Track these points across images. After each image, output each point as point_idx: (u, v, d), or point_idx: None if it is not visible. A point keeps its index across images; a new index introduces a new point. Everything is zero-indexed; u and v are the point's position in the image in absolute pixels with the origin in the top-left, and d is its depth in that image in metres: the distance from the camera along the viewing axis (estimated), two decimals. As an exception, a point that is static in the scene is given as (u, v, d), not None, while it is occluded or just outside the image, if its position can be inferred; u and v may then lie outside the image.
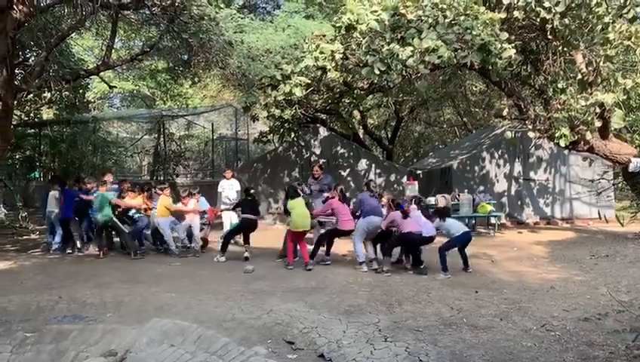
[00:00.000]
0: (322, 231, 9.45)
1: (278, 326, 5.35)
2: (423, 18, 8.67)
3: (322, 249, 9.13)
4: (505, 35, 8.69)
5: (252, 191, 10.18)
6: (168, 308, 6.08)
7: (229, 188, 11.30)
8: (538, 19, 9.32)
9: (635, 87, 8.81)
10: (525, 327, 5.24)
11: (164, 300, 6.46)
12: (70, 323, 5.49)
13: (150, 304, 6.30)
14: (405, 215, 8.33)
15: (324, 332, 5.10)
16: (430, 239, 8.32)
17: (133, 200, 10.41)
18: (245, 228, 9.70)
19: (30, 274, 8.29)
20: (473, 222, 12.52)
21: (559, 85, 10.35)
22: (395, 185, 14.58)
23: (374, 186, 9.27)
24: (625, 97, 8.97)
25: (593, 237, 11.50)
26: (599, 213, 14.34)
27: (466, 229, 8.68)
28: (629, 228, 12.32)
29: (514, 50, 8.77)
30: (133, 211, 10.47)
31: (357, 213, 8.92)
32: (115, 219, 9.85)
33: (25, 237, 12.53)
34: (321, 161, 13.62)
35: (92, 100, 21.72)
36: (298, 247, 9.01)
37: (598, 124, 9.24)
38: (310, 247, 9.04)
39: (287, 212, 9.04)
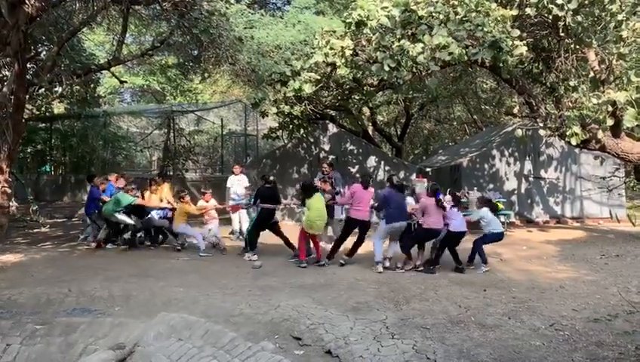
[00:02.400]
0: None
1: (286, 321, 5.36)
2: (434, 14, 8.61)
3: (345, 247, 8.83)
4: (516, 32, 8.61)
5: (271, 178, 9.74)
6: (176, 303, 6.11)
7: (238, 184, 11.25)
8: (550, 17, 9.22)
9: (647, 85, 8.69)
10: (534, 326, 5.21)
11: (172, 294, 6.50)
12: (79, 316, 5.54)
13: (158, 298, 6.33)
14: (441, 205, 8.05)
15: (331, 328, 5.10)
16: (462, 235, 8.18)
17: (153, 200, 10.47)
18: (266, 219, 9.20)
19: (40, 267, 8.36)
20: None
21: (571, 83, 10.24)
22: (404, 183, 14.52)
23: (398, 181, 8.75)
24: (638, 95, 8.84)
25: (604, 237, 11.41)
26: (610, 212, 14.21)
27: (502, 229, 8.62)
28: (641, 227, 12.21)
29: (525, 48, 8.69)
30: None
31: (375, 207, 8.69)
32: (116, 213, 9.81)
33: (36, 230, 12.64)
34: (330, 157, 13.60)
35: (103, 95, 21.81)
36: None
37: (610, 122, 9.11)
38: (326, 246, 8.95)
39: (303, 203, 8.68)
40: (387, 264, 8.27)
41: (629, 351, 4.39)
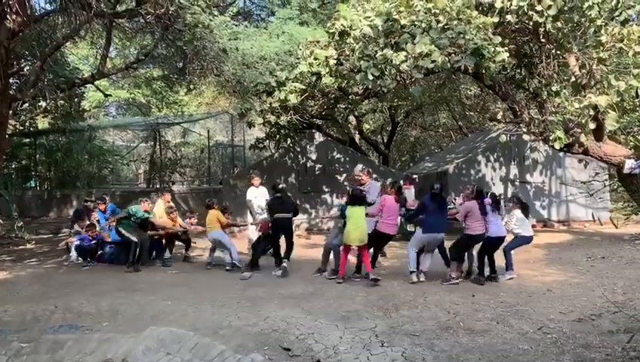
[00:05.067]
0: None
1: (275, 332, 5.34)
2: (416, 23, 8.69)
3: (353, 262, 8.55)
4: (498, 39, 8.72)
5: (281, 186, 9.41)
6: (165, 316, 6.07)
7: (262, 197, 10.42)
8: (531, 23, 9.35)
9: (628, 89, 8.80)
10: (522, 330, 5.24)
11: (160, 308, 6.45)
12: (66, 332, 5.48)
13: (147, 312, 6.28)
14: (483, 208, 7.67)
15: (320, 338, 5.09)
16: (502, 240, 7.83)
17: (163, 220, 10.27)
18: (279, 228, 8.82)
19: (26, 284, 8.26)
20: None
21: (553, 88, 10.37)
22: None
23: (437, 188, 8.08)
24: (618, 99, 8.97)
25: (589, 240, 11.52)
26: (593, 216, 14.38)
27: (532, 233, 8.29)
28: (625, 229, 12.35)
29: (507, 54, 8.79)
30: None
31: (404, 213, 8.45)
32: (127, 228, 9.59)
33: (21, 247, 12.48)
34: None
35: (87, 109, 21.73)
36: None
37: (592, 126, 9.24)
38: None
39: (342, 216, 8.17)
40: (423, 278, 7.85)
41: (615, 352, 4.43)
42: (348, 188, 9.62)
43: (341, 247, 8.30)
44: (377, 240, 8.26)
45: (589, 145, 10.03)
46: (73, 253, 10.18)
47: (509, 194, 14.38)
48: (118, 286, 7.94)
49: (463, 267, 8.11)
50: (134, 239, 9.45)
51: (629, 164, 9.77)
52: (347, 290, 7.35)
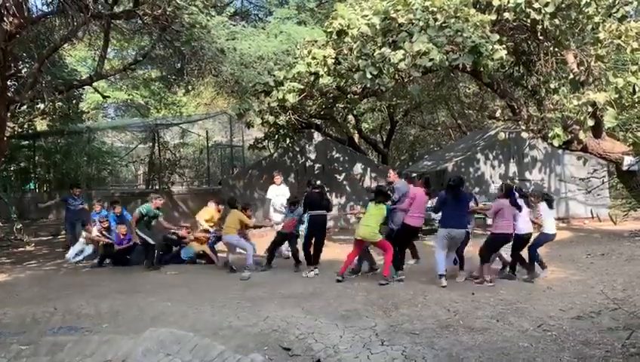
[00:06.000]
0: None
1: (275, 332, 5.33)
2: (413, 21, 8.69)
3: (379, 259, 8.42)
4: (496, 37, 8.72)
5: (318, 182, 9.29)
6: (164, 318, 6.06)
7: (283, 195, 10.38)
8: (529, 21, 9.35)
9: (626, 85, 8.81)
10: (522, 328, 5.24)
11: (160, 309, 6.44)
12: (66, 334, 5.47)
13: (146, 313, 6.27)
14: (516, 205, 7.37)
15: (320, 337, 5.09)
16: (529, 236, 7.60)
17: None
18: (317, 226, 8.61)
19: (25, 286, 8.26)
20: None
21: (551, 85, 10.39)
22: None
23: (453, 181, 7.73)
24: (617, 96, 8.96)
25: (589, 236, 11.53)
26: (592, 212, 14.39)
27: (555, 231, 8.00)
28: (625, 226, 12.35)
29: (505, 52, 8.79)
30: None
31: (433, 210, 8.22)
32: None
33: (20, 249, 12.48)
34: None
35: (86, 111, 21.68)
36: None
37: (590, 123, 9.24)
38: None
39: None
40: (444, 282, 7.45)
41: (615, 349, 4.43)
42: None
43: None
44: (404, 234, 8.07)
45: (587, 142, 10.04)
46: (70, 252, 10.21)
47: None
48: (118, 287, 7.93)
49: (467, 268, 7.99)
50: (151, 241, 9.57)
51: (628, 161, 9.77)
52: (347, 290, 7.34)
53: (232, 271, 8.98)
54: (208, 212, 10.42)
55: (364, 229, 7.85)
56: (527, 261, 7.74)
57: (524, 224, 7.54)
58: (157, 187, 18.66)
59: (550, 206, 7.88)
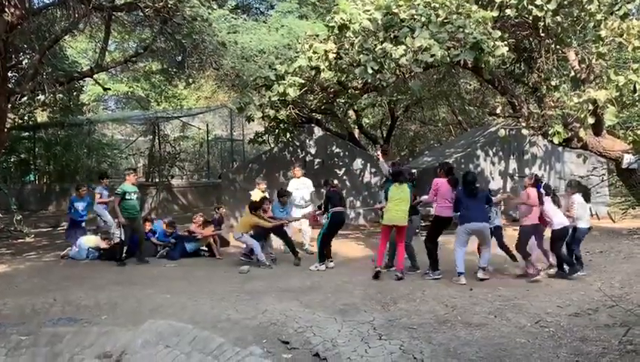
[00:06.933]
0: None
1: (273, 326, 5.36)
2: (415, 17, 8.67)
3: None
4: (497, 33, 8.70)
5: (335, 181, 9.61)
6: (163, 310, 6.08)
7: (304, 188, 10.40)
8: (530, 17, 9.32)
9: (627, 83, 8.80)
10: (519, 324, 5.26)
11: (159, 301, 6.47)
12: (65, 325, 5.50)
13: (145, 305, 6.30)
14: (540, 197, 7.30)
15: (319, 331, 5.11)
16: (567, 230, 7.44)
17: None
18: (338, 223, 8.80)
19: (25, 277, 8.28)
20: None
21: (552, 82, 10.37)
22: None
23: (470, 176, 7.75)
24: (617, 94, 8.95)
25: (588, 234, 11.48)
26: (591, 210, 14.37)
27: (590, 224, 7.85)
28: (624, 224, 12.36)
29: (506, 48, 8.77)
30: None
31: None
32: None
33: (20, 240, 12.50)
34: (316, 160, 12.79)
35: (86, 103, 21.68)
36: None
37: (591, 120, 9.23)
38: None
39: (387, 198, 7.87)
40: (481, 274, 7.46)
41: (612, 346, 4.45)
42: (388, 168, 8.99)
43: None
44: (436, 225, 7.96)
45: (587, 140, 10.03)
46: (74, 249, 10.04)
47: (508, 189, 14.45)
48: (117, 279, 7.96)
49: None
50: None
51: (628, 159, 9.78)
52: (346, 284, 7.37)
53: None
54: (257, 193, 10.29)
55: (397, 214, 7.64)
56: (569, 259, 7.59)
57: (561, 218, 7.46)
58: (157, 180, 18.67)
59: (587, 199, 7.78)
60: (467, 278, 7.48)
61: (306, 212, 10.16)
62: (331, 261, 8.77)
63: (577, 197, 7.70)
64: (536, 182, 7.65)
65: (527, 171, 14.54)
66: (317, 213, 9.52)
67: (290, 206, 10.11)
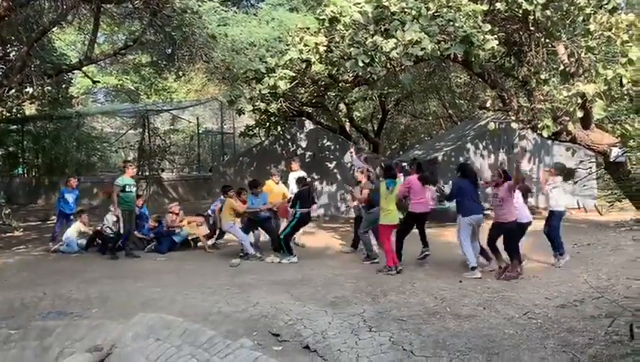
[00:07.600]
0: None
1: (264, 318, 5.38)
2: (406, 10, 8.67)
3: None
4: (487, 27, 8.72)
5: (308, 180, 9.67)
6: (154, 303, 6.08)
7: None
8: (520, 11, 9.35)
9: (615, 77, 8.87)
10: (508, 315, 5.32)
11: (149, 295, 6.46)
12: (55, 319, 5.49)
13: (136, 299, 6.30)
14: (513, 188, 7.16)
15: (309, 323, 5.14)
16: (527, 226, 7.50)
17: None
18: (305, 222, 9.03)
19: (14, 271, 8.24)
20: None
21: (542, 76, 10.41)
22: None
23: (469, 167, 7.90)
24: (606, 88, 9.02)
25: (576, 227, 11.63)
26: (578, 203, 14.53)
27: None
28: (611, 216, 12.49)
29: (496, 42, 8.80)
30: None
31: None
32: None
33: (9, 234, 12.41)
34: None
35: (75, 95, 21.50)
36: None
37: (580, 114, 9.31)
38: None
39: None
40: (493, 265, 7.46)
41: (598, 336, 4.51)
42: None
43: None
44: (408, 220, 8.04)
45: (576, 133, 10.11)
46: (64, 243, 9.97)
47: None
48: (107, 273, 7.94)
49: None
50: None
51: (615, 152, 9.87)
52: (336, 277, 7.40)
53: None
54: (268, 185, 10.12)
55: (392, 215, 7.70)
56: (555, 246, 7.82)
57: (526, 212, 7.57)
58: (147, 173, 18.59)
59: (567, 180, 7.70)
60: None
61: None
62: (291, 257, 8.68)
63: (559, 180, 7.86)
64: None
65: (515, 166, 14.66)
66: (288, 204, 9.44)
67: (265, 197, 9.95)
